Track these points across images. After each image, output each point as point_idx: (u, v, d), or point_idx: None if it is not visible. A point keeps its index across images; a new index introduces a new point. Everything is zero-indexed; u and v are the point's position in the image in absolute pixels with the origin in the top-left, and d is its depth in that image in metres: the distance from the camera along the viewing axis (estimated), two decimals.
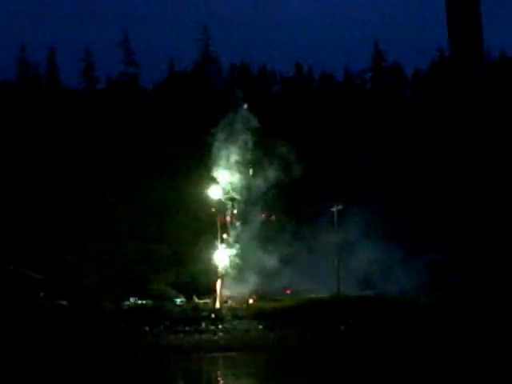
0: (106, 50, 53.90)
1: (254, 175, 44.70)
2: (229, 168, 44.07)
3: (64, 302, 42.56)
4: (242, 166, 44.51)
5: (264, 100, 51.64)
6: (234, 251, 44.42)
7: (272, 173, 44.74)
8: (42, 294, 43.20)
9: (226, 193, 44.20)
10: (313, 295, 43.21)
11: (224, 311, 41.77)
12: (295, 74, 60.02)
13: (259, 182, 44.72)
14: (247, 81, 55.92)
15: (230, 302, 43.66)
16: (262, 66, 59.63)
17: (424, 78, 59.09)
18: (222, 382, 29.83)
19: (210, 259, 44.11)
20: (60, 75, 51.77)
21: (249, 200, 44.63)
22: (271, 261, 44.13)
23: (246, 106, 45.54)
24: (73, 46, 56.67)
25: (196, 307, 42.64)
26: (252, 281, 44.06)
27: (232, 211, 44.80)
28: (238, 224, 44.73)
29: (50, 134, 44.74)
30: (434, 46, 59.15)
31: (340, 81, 59.72)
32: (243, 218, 44.55)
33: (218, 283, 43.67)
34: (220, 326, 39.98)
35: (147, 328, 39.27)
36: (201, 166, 44.60)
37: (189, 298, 44.61)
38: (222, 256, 44.31)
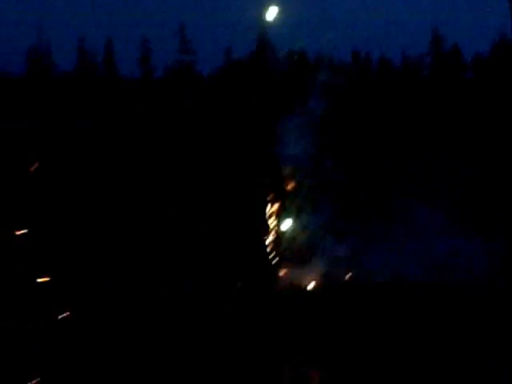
0: (163, 39, 54.28)
1: None
2: None
3: None
4: None
5: (323, 87, 51.52)
6: None
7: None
8: None
9: None
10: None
11: None
12: (352, 61, 59.69)
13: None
14: (304, 68, 55.82)
15: None
16: (319, 52, 59.44)
17: (484, 62, 58.16)
18: None
19: None
20: (117, 64, 52.43)
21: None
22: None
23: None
24: (129, 35, 57.14)
25: None
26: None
27: None
28: None
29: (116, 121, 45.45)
30: (494, 29, 58.23)
31: (398, 66, 59.26)
32: None
33: None
34: None
35: None
36: None
37: None
38: None
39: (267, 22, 46.79)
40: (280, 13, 38.92)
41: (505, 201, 44.63)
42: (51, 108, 45.47)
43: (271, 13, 38.07)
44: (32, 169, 41.64)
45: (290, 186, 43.11)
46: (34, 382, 25.06)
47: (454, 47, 55.66)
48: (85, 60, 50.41)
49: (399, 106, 50.32)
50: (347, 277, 42.06)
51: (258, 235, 42.86)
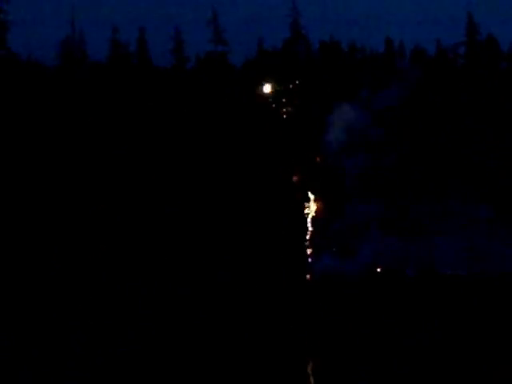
0: (195, 29, 54.16)
1: None
2: None
3: None
4: None
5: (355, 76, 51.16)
6: None
7: None
8: None
9: None
10: None
11: None
12: (385, 50, 59.11)
13: None
14: (337, 57, 55.40)
15: None
16: (352, 42, 58.95)
17: None
18: None
19: None
20: (150, 54, 52.38)
21: None
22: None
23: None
24: (162, 25, 57.10)
25: None
26: None
27: None
28: None
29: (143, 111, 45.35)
30: None
31: (432, 55, 58.62)
32: None
33: None
34: None
35: None
36: None
37: None
38: None
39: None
40: (312, 3, 38.67)
41: None
42: (85, 98, 45.62)
43: None
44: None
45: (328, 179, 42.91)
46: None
47: (490, 36, 54.96)
48: (118, 50, 50.43)
49: (437, 96, 49.73)
50: (383, 269, 41.81)
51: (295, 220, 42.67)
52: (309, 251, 42.24)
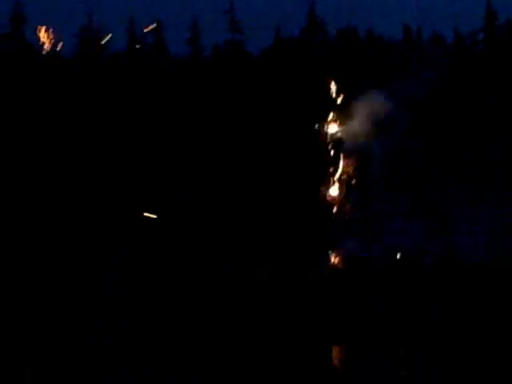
0: (212, 19, 54.01)
1: None
2: None
3: None
4: None
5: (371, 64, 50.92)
6: None
7: None
8: None
9: None
10: None
11: None
12: (403, 37, 58.75)
13: None
14: (354, 46, 55.11)
15: None
16: (369, 30, 58.58)
17: None
18: None
19: None
20: (167, 45, 52.36)
21: None
22: None
23: None
24: (179, 15, 56.96)
25: None
26: None
27: None
28: None
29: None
30: None
31: (450, 42, 58.21)
32: None
33: None
34: None
35: None
36: None
37: None
38: None
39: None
40: None
41: None
42: (103, 89, 45.67)
43: None
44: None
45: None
46: None
47: (509, 22, 54.50)
48: (135, 41, 50.44)
49: (463, 82, 49.23)
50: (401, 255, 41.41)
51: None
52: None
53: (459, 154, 45.29)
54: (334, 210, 42.54)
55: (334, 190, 42.45)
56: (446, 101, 46.85)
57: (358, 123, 43.96)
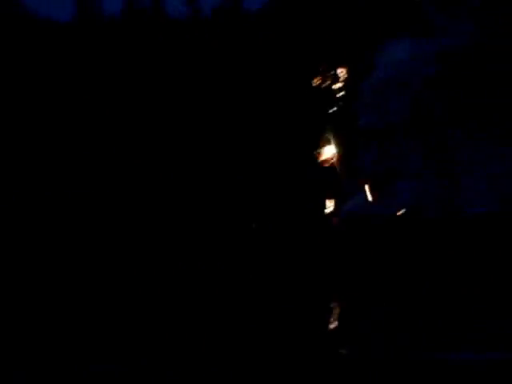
0: None
1: None
2: None
3: None
4: None
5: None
6: None
7: None
8: None
9: None
10: None
11: None
12: None
13: None
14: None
15: None
16: None
17: None
18: None
19: None
20: (164, 6, 52.05)
21: None
22: None
23: None
24: None
25: None
26: None
27: None
28: None
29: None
30: None
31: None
32: None
33: None
34: None
35: None
36: None
37: None
38: None
39: None
40: None
41: None
42: (100, 55, 45.47)
43: None
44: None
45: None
46: None
47: None
48: (131, 3, 50.19)
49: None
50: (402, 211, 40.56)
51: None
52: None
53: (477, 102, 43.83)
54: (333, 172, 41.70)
55: (329, 149, 41.17)
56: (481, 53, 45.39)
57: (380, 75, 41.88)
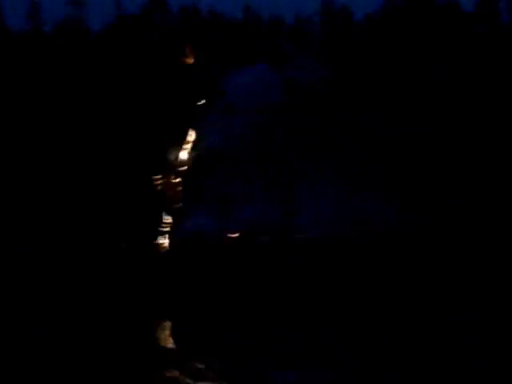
0: None
1: None
2: None
3: None
4: None
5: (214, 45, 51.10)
6: None
7: None
8: None
9: None
10: None
11: None
12: (243, 17, 59.40)
13: None
14: (197, 25, 55.13)
15: None
16: (211, 9, 58.82)
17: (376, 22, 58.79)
18: None
19: None
20: (5, 19, 50.67)
21: None
22: None
23: None
24: None
25: None
26: None
27: None
28: None
29: None
30: None
31: (291, 25, 59.38)
32: None
33: None
34: None
35: None
36: None
37: None
38: None
39: None
40: None
41: None
42: None
43: None
44: None
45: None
46: None
47: (345, 7, 56.15)
48: None
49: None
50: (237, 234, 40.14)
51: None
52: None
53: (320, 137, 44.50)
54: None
55: (183, 154, 40.57)
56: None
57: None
